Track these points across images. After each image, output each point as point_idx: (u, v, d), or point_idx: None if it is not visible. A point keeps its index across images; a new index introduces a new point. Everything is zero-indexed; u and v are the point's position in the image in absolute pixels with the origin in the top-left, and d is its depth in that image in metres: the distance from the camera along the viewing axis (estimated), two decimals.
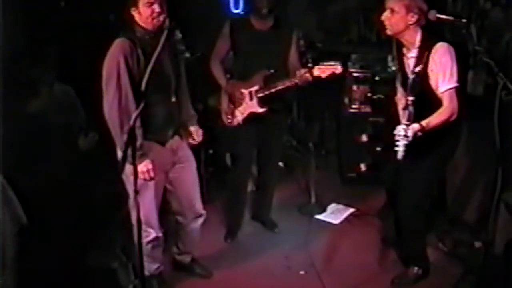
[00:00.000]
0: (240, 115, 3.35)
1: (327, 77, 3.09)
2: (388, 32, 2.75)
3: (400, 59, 2.87)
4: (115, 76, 2.47)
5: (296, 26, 3.49)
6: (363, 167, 4.43)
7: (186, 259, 3.18)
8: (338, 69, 3.08)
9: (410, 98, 2.64)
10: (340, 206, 4.17)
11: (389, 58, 4.29)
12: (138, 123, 2.29)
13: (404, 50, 2.81)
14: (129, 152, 2.09)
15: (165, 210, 2.97)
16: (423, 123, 2.58)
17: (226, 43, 3.35)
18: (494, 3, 3.75)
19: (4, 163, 2.61)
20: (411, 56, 2.76)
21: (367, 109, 4.34)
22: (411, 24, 2.67)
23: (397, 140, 2.49)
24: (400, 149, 2.49)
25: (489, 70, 2.50)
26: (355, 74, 4.34)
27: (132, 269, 3.02)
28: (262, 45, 3.25)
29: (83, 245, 3.25)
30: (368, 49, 4.75)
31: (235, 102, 3.36)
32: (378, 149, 4.37)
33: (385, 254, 3.46)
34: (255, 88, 3.28)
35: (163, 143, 2.71)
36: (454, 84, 2.66)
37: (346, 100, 4.43)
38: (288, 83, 3.17)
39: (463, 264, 3.20)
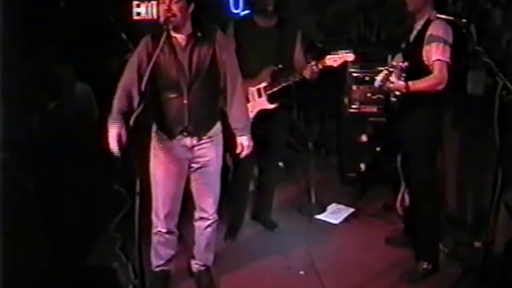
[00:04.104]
0: (249, 113, 3.33)
1: (339, 65, 3.13)
2: (409, 7, 2.96)
3: (409, 31, 3.05)
4: (129, 65, 2.63)
5: (297, 24, 3.49)
6: (363, 167, 4.43)
7: (195, 265, 3.13)
8: (350, 56, 3.10)
9: (405, 64, 2.80)
10: (340, 206, 4.17)
11: (389, 58, 4.28)
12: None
13: (415, 25, 2.99)
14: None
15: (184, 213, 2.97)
16: (409, 83, 2.79)
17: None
18: (494, 3, 3.75)
19: (7, 161, 2.62)
20: (417, 28, 2.96)
21: (367, 109, 4.34)
22: (429, 1, 2.89)
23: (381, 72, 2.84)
24: (378, 78, 2.85)
25: (489, 70, 2.51)
26: (355, 74, 4.34)
27: (132, 269, 3.02)
28: (266, 41, 3.25)
29: (83, 245, 3.26)
30: (368, 49, 4.74)
31: None
32: (378, 149, 4.37)
33: (385, 254, 3.46)
34: (264, 84, 3.28)
35: (170, 137, 2.73)
36: (444, 58, 2.80)
37: (346, 100, 4.43)
38: (298, 78, 3.18)
39: (463, 264, 3.20)
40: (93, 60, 3.53)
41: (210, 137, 2.79)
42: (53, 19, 3.34)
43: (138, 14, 3.95)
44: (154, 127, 2.77)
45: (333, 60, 3.10)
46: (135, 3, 3.89)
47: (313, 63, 3.14)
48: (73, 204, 3.19)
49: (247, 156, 2.97)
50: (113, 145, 2.55)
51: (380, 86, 2.87)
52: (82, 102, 3.40)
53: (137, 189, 2.16)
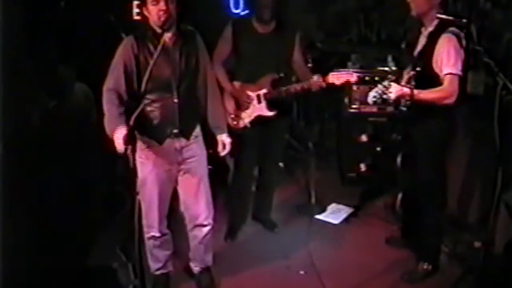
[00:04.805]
0: (247, 117, 3.34)
1: (341, 84, 3.15)
2: (413, 12, 2.88)
3: (417, 37, 2.99)
4: (114, 68, 2.58)
5: (296, 26, 3.50)
6: (363, 167, 4.43)
7: (195, 268, 3.12)
8: (354, 77, 3.13)
9: (412, 72, 2.75)
10: (340, 206, 4.17)
11: (389, 58, 4.29)
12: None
13: (422, 29, 2.94)
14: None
15: (173, 209, 2.95)
16: (415, 91, 2.72)
17: (228, 46, 3.32)
18: (494, 3, 3.75)
19: (8, 161, 2.62)
20: (425, 34, 2.90)
21: (367, 109, 4.34)
22: (434, 4, 2.81)
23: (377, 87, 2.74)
24: (371, 94, 2.75)
25: (489, 70, 2.51)
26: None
27: (132, 269, 3.02)
28: (265, 48, 3.25)
29: (83, 245, 3.26)
30: (368, 49, 4.75)
31: (241, 105, 3.35)
32: (378, 149, 4.37)
33: (385, 254, 3.46)
34: (264, 91, 3.29)
35: (160, 142, 2.69)
36: (456, 71, 2.73)
37: (346, 100, 4.43)
38: (300, 88, 3.20)
39: (463, 264, 3.21)
40: (93, 60, 3.53)
41: (196, 137, 2.81)
42: (53, 19, 3.33)
43: (138, 14, 3.95)
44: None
45: (336, 78, 3.14)
46: (135, 3, 3.88)
47: (317, 77, 3.16)
48: (73, 204, 3.19)
49: (247, 155, 2.97)
50: (121, 147, 2.32)
51: (374, 102, 2.79)
52: (81, 102, 3.40)
53: (137, 189, 2.17)
